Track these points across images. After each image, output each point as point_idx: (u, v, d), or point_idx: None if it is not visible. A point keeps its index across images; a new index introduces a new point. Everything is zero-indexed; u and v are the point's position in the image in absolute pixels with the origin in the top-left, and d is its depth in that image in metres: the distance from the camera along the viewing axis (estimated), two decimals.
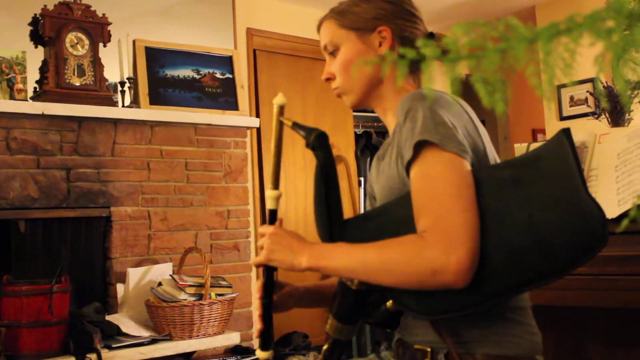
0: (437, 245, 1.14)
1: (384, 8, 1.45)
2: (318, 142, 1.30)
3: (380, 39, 1.44)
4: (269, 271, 1.42)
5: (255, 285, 1.47)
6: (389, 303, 1.26)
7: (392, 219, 1.28)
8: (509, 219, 1.15)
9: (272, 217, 1.43)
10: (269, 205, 1.43)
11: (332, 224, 1.31)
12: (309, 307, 1.62)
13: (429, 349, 1.29)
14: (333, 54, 1.49)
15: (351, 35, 1.46)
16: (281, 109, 1.37)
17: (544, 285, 1.17)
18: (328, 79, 1.51)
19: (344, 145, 5.17)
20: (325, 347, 1.37)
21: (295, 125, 1.34)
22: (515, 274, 1.14)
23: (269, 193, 1.42)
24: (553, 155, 1.20)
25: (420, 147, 1.22)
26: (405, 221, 1.22)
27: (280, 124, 1.38)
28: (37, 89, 3.27)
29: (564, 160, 1.17)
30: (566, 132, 1.20)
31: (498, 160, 1.37)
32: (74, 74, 3.27)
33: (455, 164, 1.20)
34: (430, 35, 1.51)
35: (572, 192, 1.14)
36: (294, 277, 1.65)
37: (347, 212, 5.11)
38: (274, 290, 1.47)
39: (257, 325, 1.46)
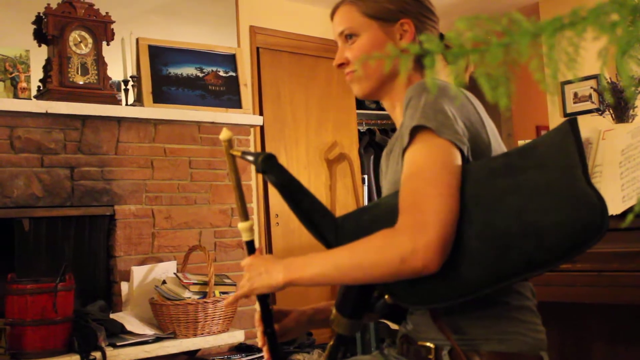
0: (406, 232, 1.13)
1: (408, 2, 1.44)
2: (266, 165, 1.27)
3: (401, 31, 1.43)
4: (262, 301, 1.42)
5: (255, 319, 1.47)
6: (387, 295, 1.26)
7: (385, 209, 1.27)
8: (498, 206, 1.14)
9: (250, 248, 1.43)
10: (244, 237, 1.43)
11: (322, 229, 1.30)
12: (322, 328, 1.61)
13: (433, 346, 1.29)
14: (349, 40, 1.46)
15: (373, 24, 1.44)
16: (229, 143, 1.37)
17: (536, 275, 1.15)
18: (341, 65, 1.48)
19: (347, 143, 5.17)
20: (330, 343, 1.37)
21: (244, 154, 1.33)
22: (504, 263, 1.12)
23: (241, 225, 1.42)
24: (551, 143, 1.19)
25: (416, 132, 1.22)
26: (396, 210, 1.21)
27: (232, 157, 1.38)
28: (41, 88, 3.28)
29: (562, 148, 1.16)
30: (571, 122, 1.18)
31: None
32: (77, 73, 3.27)
33: (444, 151, 1.19)
34: (441, 37, 1.51)
35: (568, 181, 1.12)
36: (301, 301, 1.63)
37: (351, 209, 5.11)
38: (276, 319, 1.47)
39: (265, 356, 1.46)
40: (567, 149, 1.16)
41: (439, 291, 1.16)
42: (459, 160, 1.20)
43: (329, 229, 1.29)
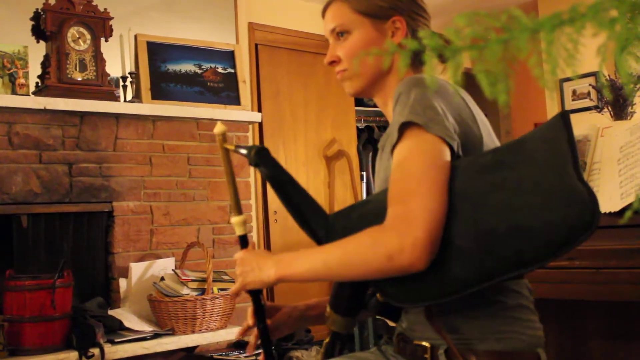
0: (393, 230, 1.12)
1: None
2: (258, 157, 1.27)
3: (393, 29, 1.42)
4: (254, 295, 1.42)
5: (248, 313, 1.47)
6: (378, 294, 1.26)
7: (374, 206, 1.26)
8: (485, 203, 1.12)
9: (243, 242, 1.44)
10: (237, 231, 1.43)
11: (313, 224, 1.29)
12: (315, 324, 1.61)
13: (428, 345, 1.28)
14: (340, 37, 1.45)
15: (365, 21, 1.42)
16: (223, 136, 1.37)
17: (526, 273, 1.13)
18: (332, 62, 1.47)
19: (346, 140, 5.17)
20: (326, 340, 1.37)
21: (238, 148, 1.34)
22: (491, 260, 1.10)
23: (235, 220, 1.42)
24: (542, 139, 1.16)
25: (404, 128, 1.21)
26: (385, 207, 1.19)
27: (226, 151, 1.38)
28: (39, 84, 3.27)
29: (553, 144, 1.14)
30: (563, 116, 1.16)
31: None
32: (75, 69, 3.27)
33: (432, 147, 1.18)
34: None
35: (557, 177, 1.10)
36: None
37: None
38: (268, 315, 1.47)
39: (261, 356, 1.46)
40: (558, 145, 1.13)
41: (428, 289, 1.15)
42: (447, 156, 1.18)
43: (319, 224, 1.29)
